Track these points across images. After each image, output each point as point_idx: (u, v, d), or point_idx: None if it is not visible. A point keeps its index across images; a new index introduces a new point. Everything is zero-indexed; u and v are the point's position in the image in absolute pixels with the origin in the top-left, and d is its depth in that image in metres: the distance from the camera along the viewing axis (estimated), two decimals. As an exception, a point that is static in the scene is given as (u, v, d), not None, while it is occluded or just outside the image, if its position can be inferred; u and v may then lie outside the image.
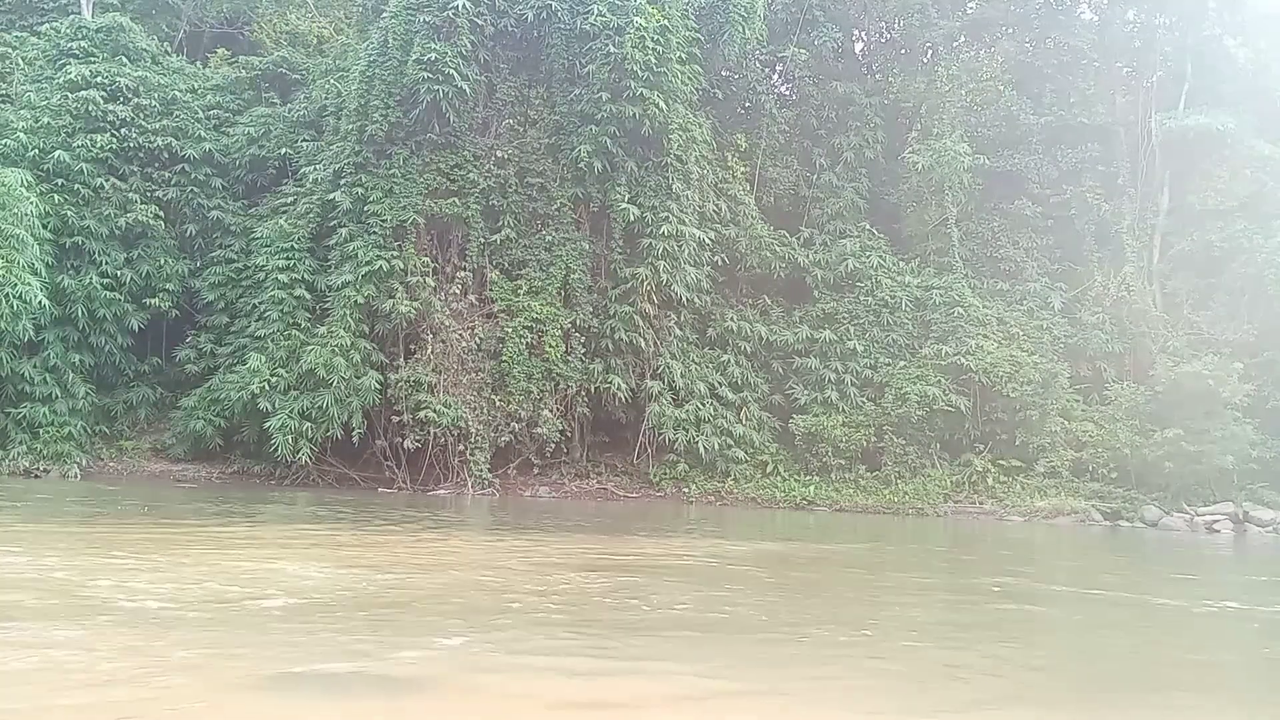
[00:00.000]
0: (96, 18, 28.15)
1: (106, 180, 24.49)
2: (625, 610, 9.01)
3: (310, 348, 22.53)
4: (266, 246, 24.27)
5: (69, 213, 23.79)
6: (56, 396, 23.07)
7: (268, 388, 22.37)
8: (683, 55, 25.06)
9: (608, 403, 24.45)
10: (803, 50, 30.14)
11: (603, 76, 23.90)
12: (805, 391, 26.44)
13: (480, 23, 24.12)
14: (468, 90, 23.82)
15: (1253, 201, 28.30)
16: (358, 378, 22.49)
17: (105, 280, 24.06)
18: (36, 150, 23.89)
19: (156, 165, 25.53)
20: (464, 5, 23.51)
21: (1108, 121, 30.39)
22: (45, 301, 21.68)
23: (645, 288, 24.31)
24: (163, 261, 25.14)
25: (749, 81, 30.02)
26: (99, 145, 24.45)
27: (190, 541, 12.08)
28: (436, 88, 23.32)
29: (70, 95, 24.76)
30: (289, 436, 22.02)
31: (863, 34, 33.82)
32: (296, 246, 24.18)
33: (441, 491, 22.75)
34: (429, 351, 23.18)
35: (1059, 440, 24.90)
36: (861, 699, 6.16)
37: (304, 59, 29.56)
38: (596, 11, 24.01)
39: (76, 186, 24.10)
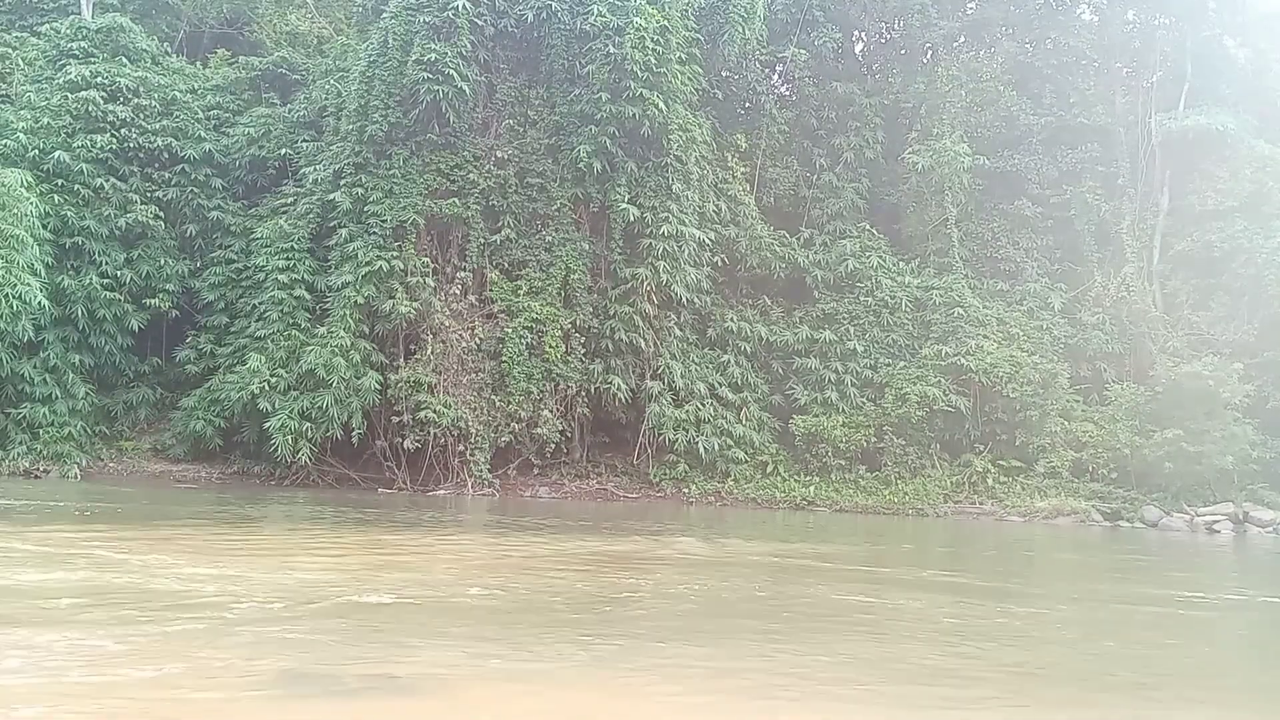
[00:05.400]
0: (96, 18, 28.13)
1: (106, 180, 24.49)
2: (627, 608, 9.02)
3: (310, 348, 22.53)
4: (266, 247, 24.26)
5: (69, 213, 23.79)
6: (56, 396, 23.07)
7: (268, 388, 22.37)
8: (682, 55, 25.06)
9: (608, 403, 24.45)
10: (803, 50, 30.12)
11: (602, 77, 23.90)
12: (805, 392, 26.44)
13: (480, 23, 24.13)
14: (468, 90, 23.81)
15: (1253, 201, 28.25)
16: (358, 378, 22.48)
17: (105, 280, 24.06)
18: (36, 150, 23.90)
19: (156, 165, 25.54)
20: (464, 5, 23.50)
21: (1108, 122, 30.36)
22: (45, 302, 21.69)
23: (645, 288, 24.31)
24: (163, 262, 25.14)
25: (749, 82, 30.00)
26: (99, 145, 24.45)
27: (190, 543, 12.07)
28: (436, 88, 23.32)
29: (70, 95, 24.76)
30: (289, 437, 22.02)
31: (863, 34, 33.80)
32: (296, 247, 24.18)
33: (441, 492, 22.74)
34: (429, 352, 23.17)
35: (1059, 440, 24.88)
36: (867, 697, 6.16)
37: (304, 59, 29.55)
38: (596, 12, 24.01)
39: (76, 187, 24.10)
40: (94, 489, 20.19)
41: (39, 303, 21.36)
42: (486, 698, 5.76)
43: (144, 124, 25.34)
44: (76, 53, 25.97)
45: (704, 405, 25.17)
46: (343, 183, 24.04)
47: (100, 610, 7.40)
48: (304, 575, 9.84)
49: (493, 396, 23.41)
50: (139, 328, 24.76)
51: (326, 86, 26.74)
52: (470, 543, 14.45)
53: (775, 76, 31.59)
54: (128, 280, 24.44)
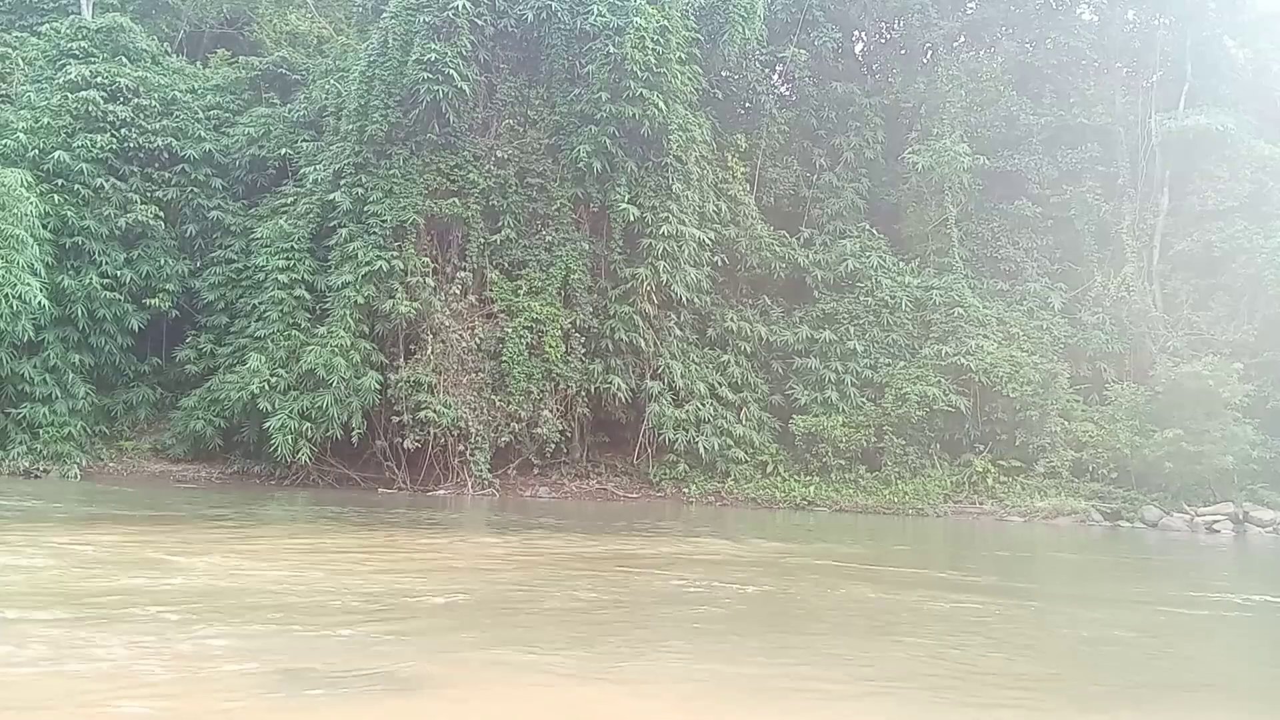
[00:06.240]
0: (96, 18, 28.12)
1: (106, 180, 24.48)
2: (626, 608, 9.02)
3: (310, 348, 22.53)
4: (266, 247, 24.25)
5: (69, 213, 23.77)
6: (56, 396, 23.05)
7: (268, 388, 22.36)
8: (682, 55, 25.05)
9: (608, 403, 24.44)
10: (803, 50, 30.12)
11: (602, 77, 23.90)
12: (805, 392, 26.42)
13: (480, 23, 24.12)
14: (468, 90, 23.81)
15: (1253, 201, 28.25)
16: (358, 378, 22.48)
17: (105, 280, 24.05)
18: (36, 150, 23.88)
19: (156, 165, 25.53)
20: (464, 5, 23.50)
21: (1108, 122, 30.35)
22: (45, 302, 21.68)
23: (645, 288, 24.31)
24: (163, 261, 25.13)
25: (749, 81, 30.00)
26: (99, 145, 24.43)
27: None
28: (436, 88, 23.32)
29: (70, 95, 24.74)
30: (289, 437, 22.01)
31: (863, 34, 33.81)
32: (296, 247, 24.16)
33: (441, 492, 22.73)
34: (429, 352, 23.17)
35: (1059, 440, 24.88)
36: (876, 698, 6.16)
37: (304, 59, 29.53)
38: (596, 12, 24.01)
39: (76, 186, 24.09)
40: (97, 489, 20.18)
41: (39, 303, 21.35)
42: (486, 697, 5.77)
43: (144, 124, 25.32)
44: (76, 53, 25.94)
45: (704, 405, 25.16)
46: (343, 183, 24.04)
47: (101, 608, 7.40)
48: (302, 575, 9.84)
49: (493, 396, 23.41)
50: (139, 328, 24.74)
51: (326, 86, 26.72)
52: (471, 543, 14.44)
53: (775, 76, 31.58)
54: (128, 280, 24.42)
